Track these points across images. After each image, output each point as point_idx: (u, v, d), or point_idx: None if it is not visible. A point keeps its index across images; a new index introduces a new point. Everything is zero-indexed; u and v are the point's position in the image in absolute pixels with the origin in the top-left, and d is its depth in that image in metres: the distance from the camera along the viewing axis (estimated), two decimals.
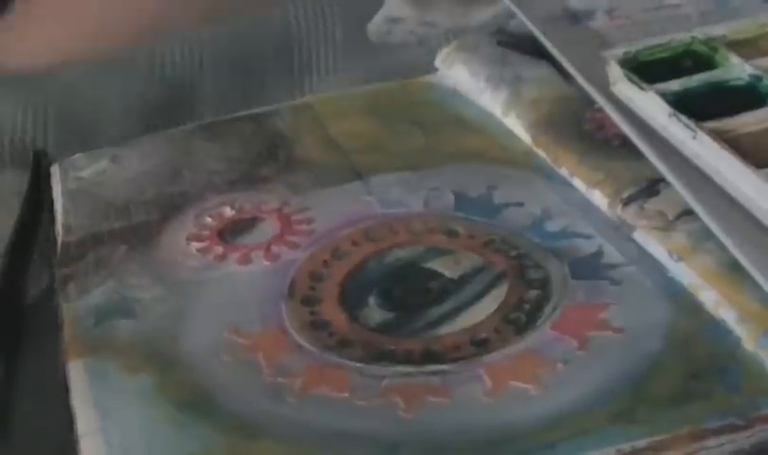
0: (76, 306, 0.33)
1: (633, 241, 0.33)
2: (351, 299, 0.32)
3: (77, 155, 0.43)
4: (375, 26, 0.52)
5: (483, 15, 0.54)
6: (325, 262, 0.34)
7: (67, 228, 0.38)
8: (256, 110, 0.45)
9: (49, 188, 0.42)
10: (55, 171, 0.42)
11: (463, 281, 0.32)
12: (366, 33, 0.50)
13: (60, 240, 0.37)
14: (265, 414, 0.28)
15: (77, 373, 0.30)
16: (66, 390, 0.30)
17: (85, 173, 0.42)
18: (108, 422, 0.28)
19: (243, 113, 0.45)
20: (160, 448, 0.27)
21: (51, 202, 0.41)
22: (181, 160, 0.41)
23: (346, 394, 0.28)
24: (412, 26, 0.53)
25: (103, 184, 0.41)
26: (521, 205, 0.35)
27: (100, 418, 0.28)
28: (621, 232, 0.33)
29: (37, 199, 0.41)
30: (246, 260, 0.34)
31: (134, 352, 0.31)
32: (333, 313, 0.31)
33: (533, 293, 0.31)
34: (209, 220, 0.37)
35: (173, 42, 0.46)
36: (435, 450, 0.26)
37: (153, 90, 0.48)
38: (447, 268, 0.33)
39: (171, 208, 0.38)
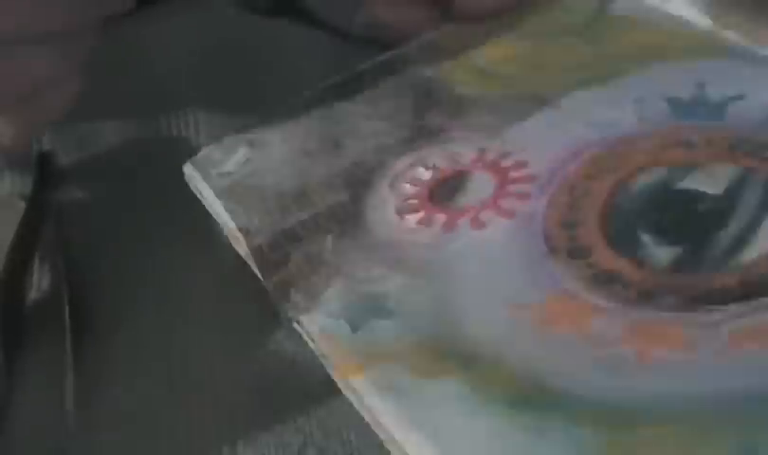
0: (317, 315, 0.28)
1: None
2: (620, 241, 0.28)
3: (207, 150, 0.36)
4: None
5: None
6: (569, 205, 0.29)
7: (246, 232, 0.32)
8: (376, 60, 0.38)
9: (54, 188, 0.39)
10: (189, 169, 0.36)
11: (731, 195, 0.28)
12: None
13: (243, 247, 0.32)
14: (623, 391, 0.23)
15: (368, 391, 0.26)
16: (66, 388, 0.29)
17: (228, 167, 0.35)
18: (443, 442, 0.23)
19: (362, 67, 0.38)
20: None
21: (54, 204, 0.38)
22: (333, 129, 0.35)
23: (690, 350, 0.24)
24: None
25: (257, 173, 0.34)
26: (741, 97, 0.31)
27: (429, 439, 0.24)
28: None
29: (41, 201, 0.38)
30: (478, 223, 0.30)
31: (417, 353, 0.26)
32: (611, 261, 0.27)
33: None
34: (409, 187, 0.32)
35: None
36: None
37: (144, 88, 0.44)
38: (705, 185, 0.28)
39: (356, 183, 0.33)
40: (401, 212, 0.31)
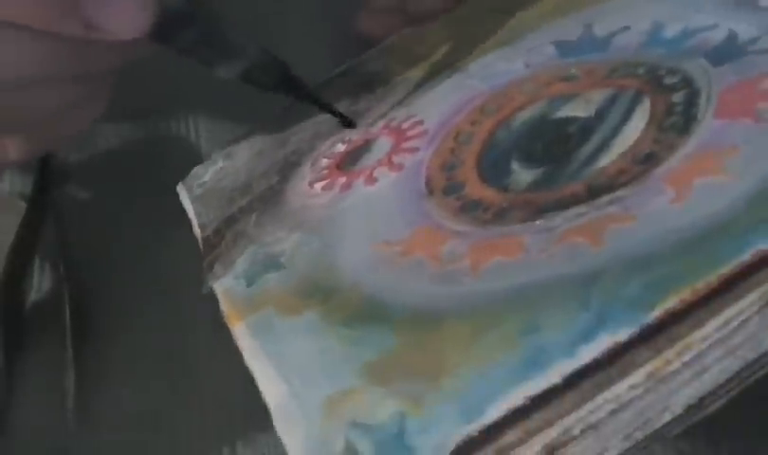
0: (226, 279, 0.29)
1: (761, 9, 0.27)
2: (492, 172, 0.28)
3: (196, 168, 0.38)
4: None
5: None
6: (451, 150, 0.30)
7: (203, 227, 0.34)
8: (342, 67, 0.40)
9: (54, 189, 0.38)
10: (181, 190, 0.38)
11: (600, 114, 0.27)
12: None
13: (200, 238, 0.33)
14: (442, 299, 0.23)
15: (242, 335, 0.26)
16: (67, 388, 0.28)
17: (206, 178, 0.37)
18: (283, 364, 0.24)
19: (332, 74, 0.40)
20: (338, 368, 0.23)
21: (54, 204, 0.38)
22: (285, 130, 0.37)
23: (522, 254, 0.23)
24: None
25: (224, 179, 0.37)
26: (627, 29, 0.30)
27: (275, 367, 0.24)
28: (744, 7, 0.28)
29: (42, 201, 0.38)
30: (371, 180, 0.30)
31: (291, 295, 0.27)
32: (479, 191, 0.27)
33: (679, 94, 0.26)
34: (325, 161, 0.33)
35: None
36: (639, 265, 0.21)
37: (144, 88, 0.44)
38: (579, 110, 0.28)
39: (288, 167, 0.34)
40: (312, 183, 0.32)
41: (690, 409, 0.20)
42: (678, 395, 0.20)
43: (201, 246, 0.33)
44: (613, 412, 0.20)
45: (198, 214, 0.35)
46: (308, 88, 0.33)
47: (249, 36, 0.32)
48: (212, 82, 0.43)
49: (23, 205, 0.37)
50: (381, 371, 0.22)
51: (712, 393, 0.20)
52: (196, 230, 0.35)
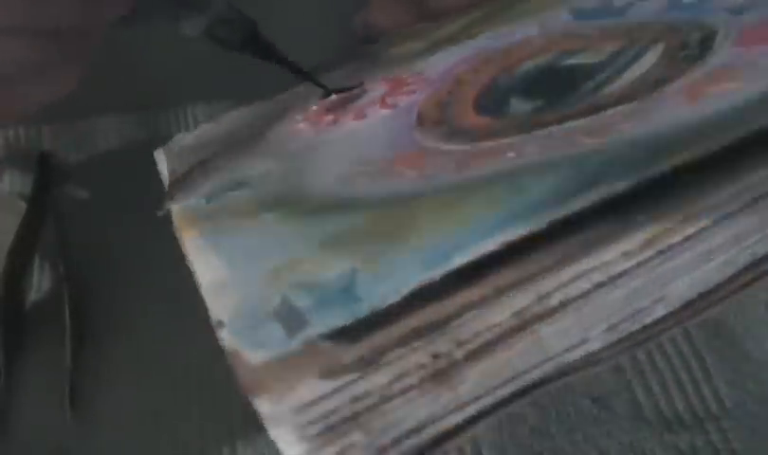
0: (185, 201, 0.27)
1: None
2: (488, 107, 0.26)
3: (178, 136, 0.35)
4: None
5: None
6: (450, 92, 0.28)
7: (173, 172, 0.32)
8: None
9: (54, 189, 0.38)
10: (158, 154, 0.35)
11: (609, 60, 0.26)
12: None
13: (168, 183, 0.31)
14: (419, 188, 0.21)
15: (192, 242, 0.24)
16: (66, 388, 0.28)
17: (188, 140, 0.35)
18: (227, 250, 0.22)
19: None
20: (294, 242, 0.21)
21: (55, 203, 0.37)
22: (284, 95, 0.34)
23: (512, 154, 0.21)
24: None
25: (204, 136, 0.34)
26: (645, 0, 0.29)
27: (216, 252, 0.22)
28: None
29: (42, 200, 0.37)
30: (360, 115, 0.28)
31: (252, 206, 0.25)
32: (474, 121, 0.25)
33: (695, 35, 0.25)
34: (315, 108, 0.31)
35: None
36: (641, 142, 0.19)
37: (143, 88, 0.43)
38: (588, 58, 0.26)
39: (275, 116, 0.32)
40: (297, 121, 0.30)
41: (689, 306, 0.18)
42: (676, 283, 0.17)
43: (168, 186, 0.31)
44: (599, 287, 0.17)
45: (172, 168, 0.34)
46: (277, 50, 0.31)
47: None
48: (214, 83, 0.43)
49: (23, 205, 0.37)
50: (340, 241, 0.20)
51: (715, 290, 0.18)
52: (165, 179, 0.32)
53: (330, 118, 0.29)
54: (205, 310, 0.29)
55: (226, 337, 0.18)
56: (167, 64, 0.34)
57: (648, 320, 0.18)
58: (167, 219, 0.30)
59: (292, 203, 0.24)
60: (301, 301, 0.18)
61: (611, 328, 0.18)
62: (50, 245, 0.35)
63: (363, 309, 0.17)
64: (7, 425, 0.29)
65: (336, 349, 0.17)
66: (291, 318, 0.17)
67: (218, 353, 0.23)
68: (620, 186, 0.17)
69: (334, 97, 0.31)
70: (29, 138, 0.41)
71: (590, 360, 0.18)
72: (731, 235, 0.17)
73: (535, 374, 0.17)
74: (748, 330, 0.28)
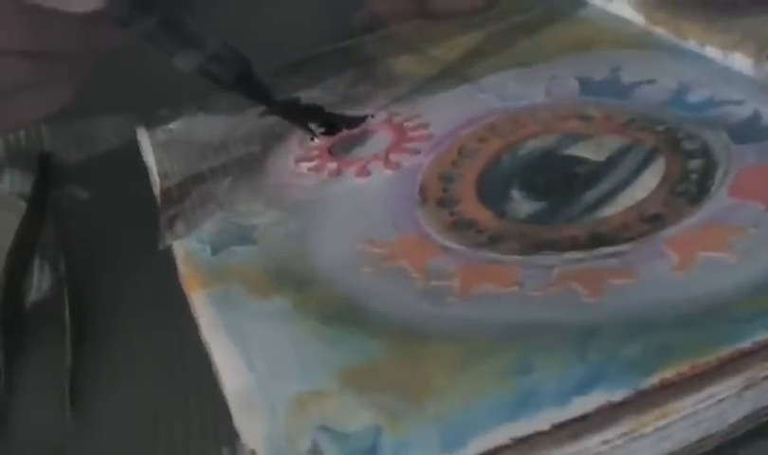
0: (188, 241, 0.29)
1: None
2: (491, 195, 0.27)
3: (161, 111, 0.38)
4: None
5: None
6: (453, 162, 0.29)
7: (164, 175, 0.33)
8: (337, 44, 0.40)
9: (54, 189, 0.38)
10: (141, 132, 0.37)
11: (612, 162, 0.27)
12: None
13: (158, 187, 0.33)
14: (428, 317, 0.23)
15: (202, 304, 0.26)
16: (66, 388, 0.28)
17: (174, 126, 0.37)
18: (248, 349, 0.23)
19: (323, 49, 0.40)
20: (314, 364, 0.22)
21: (55, 203, 0.38)
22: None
23: (515, 288, 0.23)
24: None
25: (195, 131, 0.36)
26: (652, 82, 0.30)
27: (237, 346, 0.24)
28: None
29: (42, 200, 0.38)
30: (364, 172, 0.30)
31: (261, 276, 0.26)
32: (475, 211, 0.27)
33: (696, 162, 0.26)
34: (315, 141, 0.32)
35: None
36: (638, 329, 0.21)
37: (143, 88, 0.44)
38: (590, 152, 0.28)
39: (272, 137, 0.33)
40: (298, 161, 0.31)
41: None
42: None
43: (159, 197, 0.32)
44: None
45: (159, 161, 0.35)
46: (268, 91, 0.32)
47: (213, 28, 0.31)
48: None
49: (23, 205, 0.37)
50: (359, 378, 0.22)
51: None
52: (154, 178, 0.34)
53: (334, 166, 0.30)
54: None
55: None
56: (167, 64, 0.34)
57: None
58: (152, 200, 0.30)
59: (302, 284, 0.25)
60: (330, 451, 0.20)
61: None
62: (50, 245, 0.36)
63: None
64: (6, 425, 0.29)
65: None
66: None
67: None
68: (617, 395, 0.19)
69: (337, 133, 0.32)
70: (29, 138, 0.42)
71: None
72: (691, 423, 0.20)
73: None
74: None
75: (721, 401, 0.20)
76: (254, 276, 0.26)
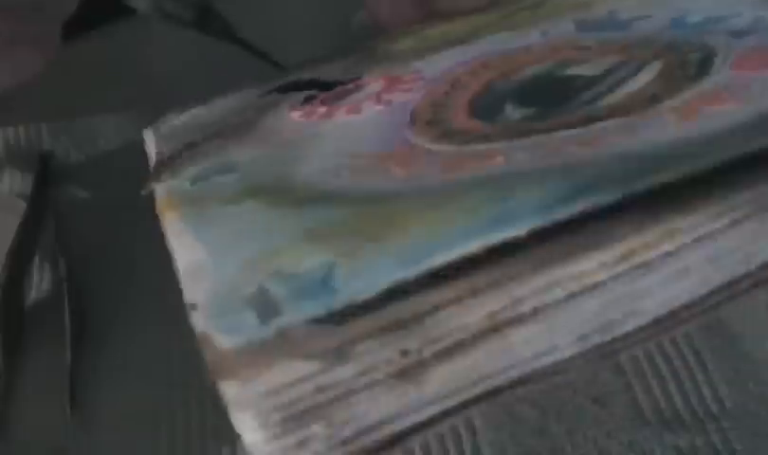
0: (168, 184, 0.27)
1: None
2: (483, 111, 0.26)
3: (167, 116, 0.36)
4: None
5: None
6: (446, 93, 0.28)
7: (160, 153, 0.32)
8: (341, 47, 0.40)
9: (54, 189, 0.39)
10: (148, 133, 0.36)
11: (609, 72, 0.26)
12: None
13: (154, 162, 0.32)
14: (403, 188, 0.21)
15: (172, 223, 0.24)
16: (66, 388, 0.28)
17: (177, 121, 0.36)
18: (208, 238, 0.22)
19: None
20: (274, 233, 0.21)
21: (55, 203, 0.38)
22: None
23: (500, 158, 0.22)
24: None
25: (196, 118, 0.35)
26: (649, 16, 0.29)
27: (195, 234, 0.22)
28: None
29: (42, 200, 0.38)
30: (355, 110, 0.29)
31: (237, 191, 0.25)
32: (466, 123, 0.26)
33: (694, 55, 0.25)
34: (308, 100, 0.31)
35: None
36: (635, 158, 0.19)
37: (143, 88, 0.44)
38: (586, 70, 0.27)
39: (267, 106, 0.32)
40: (290, 111, 0.31)
41: (658, 322, 0.18)
42: (648, 298, 0.18)
43: (152, 168, 0.31)
44: (572, 297, 0.17)
45: (159, 147, 0.34)
46: (230, 27, 0.31)
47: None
48: (214, 83, 0.43)
49: (23, 205, 0.37)
50: (319, 234, 0.20)
51: (687, 308, 0.18)
52: (152, 159, 0.33)
53: (323, 110, 0.29)
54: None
55: (197, 321, 0.18)
56: (167, 64, 0.34)
57: (618, 333, 0.18)
58: (152, 200, 0.30)
59: (277, 191, 0.24)
60: (278, 290, 0.18)
61: (580, 338, 0.18)
62: (50, 245, 0.36)
63: (338, 301, 0.17)
64: (7, 425, 0.29)
65: (306, 339, 0.17)
66: (265, 306, 0.17)
67: None
68: (604, 199, 0.17)
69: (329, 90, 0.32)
70: (29, 138, 0.42)
71: (557, 369, 0.18)
72: (708, 254, 0.18)
73: (500, 379, 0.18)
74: (748, 330, 0.28)
75: (736, 223, 0.18)
76: (230, 194, 0.25)
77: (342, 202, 0.21)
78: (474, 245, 0.17)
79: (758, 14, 0.27)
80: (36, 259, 0.36)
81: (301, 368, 0.17)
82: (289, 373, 0.17)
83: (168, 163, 0.30)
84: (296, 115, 0.30)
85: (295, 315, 0.17)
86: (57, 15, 0.33)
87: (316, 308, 0.17)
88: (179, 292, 0.30)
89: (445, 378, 0.17)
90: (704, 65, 0.24)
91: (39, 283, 0.35)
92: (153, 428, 0.29)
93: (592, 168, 0.19)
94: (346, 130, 0.28)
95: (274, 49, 0.41)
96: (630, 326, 0.18)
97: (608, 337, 0.18)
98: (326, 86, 0.32)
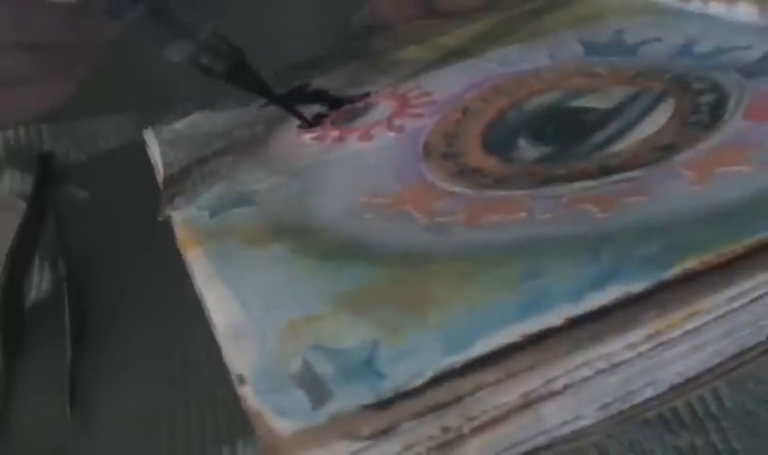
0: (187, 210, 0.28)
1: None
2: (496, 145, 0.27)
3: (168, 116, 0.37)
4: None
5: None
6: (457, 121, 0.29)
7: (168, 164, 0.33)
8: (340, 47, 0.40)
9: (54, 189, 0.39)
10: (148, 134, 0.37)
11: (620, 107, 0.27)
12: None
13: (162, 175, 0.32)
14: (432, 244, 0.22)
15: (197, 261, 0.25)
16: (66, 388, 0.29)
17: (179, 125, 0.36)
18: (242, 288, 0.23)
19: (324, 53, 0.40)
20: (310, 294, 0.21)
21: (55, 203, 0.39)
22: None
23: (523, 214, 0.23)
24: None
25: (199, 126, 0.36)
26: (659, 40, 0.30)
27: (230, 288, 0.23)
28: None
29: (42, 200, 0.38)
30: (367, 136, 0.29)
31: (258, 230, 0.26)
32: (480, 160, 0.26)
33: (707, 97, 0.26)
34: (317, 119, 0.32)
35: None
36: (656, 231, 0.20)
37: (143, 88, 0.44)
38: (597, 102, 0.27)
39: (276, 120, 0.33)
40: (301, 131, 0.31)
41: (674, 389, 0.19)
42: (666, 370, 0.19)
43: (162, 183, 0.32)
44: (600, 373, 0.19)
45: (165, 154, 0.34)
46: (263, 81, 0.32)
47: (206, 17, 0.31)
48: (213, 83, 0.44)
49: (23, 204, 0.38)
50: (357, 300, 0.21)
51: (699, 376, 0.19)
52: (159, 171, 0.33)
53: (336, 134, 0.30)
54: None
55: (248, 397, 0.19)
56: (167, 65, 0.35)
57: (637, 401, 0.19)
58: (166, 223, 0.31)
59: (300, 234, 0.25)
60: (323, 369, 0.19)
61: (603, 407, 0.19)
62: (50, 244, 0.36)
63: (387, 387, 0.18)
64: (7, 425, 0.29)
65: (356, 421, 0.18)
66: (315, 387, 0.18)
67: (217, 352, 0.24)
68: (635, 287, 0.18)
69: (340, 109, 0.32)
70: (29, 138, 0.42)
71: (580, 434, 0.19)
72: (725, 330, 0.19)
73: (528, 444, 0.19)
74: None
75: (754, 301, 0.19)
76: (251, 231, 0.26)
77: (373, 260, 0.22)
78: (512, 334, 0.18)
79: (766, 49, 0.27)
80: (36, 259, 0.36)
81: (350, 446, 0.18)
82: (339, 451, 0.18)
83: (179, 183, 0.31)
84: (308, 137, 0.31)
85: (345, 399, 0.18)
86: (89, 48, 0.34)
87: (365, 393, 0.18)
88: (179, 292, 0.31)
89: (480, 448, 0.19)
90: (716, 111, 0.25)
91: (39, 283, 0.35)
92: (153, 428, 0.29)
93: (616, 245, 0.20)
94: (361, 159, 0.29)
95: (273, 50, 0.42)
96: (648, 394, 0.19)
97: (627, 405, 0.19)
98: (334, 102, 0.33)
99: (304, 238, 0.24)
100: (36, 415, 0.30)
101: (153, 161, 0.35)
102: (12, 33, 0.30)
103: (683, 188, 0.22)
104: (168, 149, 0.35)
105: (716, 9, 0.31)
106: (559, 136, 0.26)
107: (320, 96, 0.34)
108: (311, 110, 0.33)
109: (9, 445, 0.29)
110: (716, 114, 0.25)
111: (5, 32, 0.30)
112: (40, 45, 0.31)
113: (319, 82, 0.35)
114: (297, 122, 0.32)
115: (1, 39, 0.30)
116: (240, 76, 0.31)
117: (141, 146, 0.39)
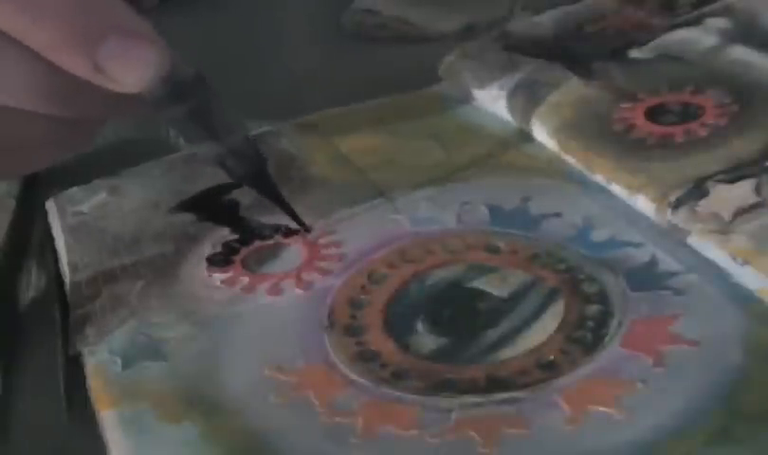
0: (99, 350, 0.30)
1: (687, 246, 0.31)
2: (396, 326, 0.30)
3: (72, 189, 0.40)
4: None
5: (456, 22, 0.53)
6: (363, 287, 0.31)
7: (74, 267, 0.35)
8: (256, 131, 0.42)
9: (44, 188, 0.40)
10: (51, 206, 0.39)
11: (514, 299, 0.30)
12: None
13: (68, 280, 0.34)
14: (329, 446, 0.25)
15: (112, 425, 0.27)
16: (65, 387, 0.30)
17: (85, 208, 0.38)
18: None
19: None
20: None
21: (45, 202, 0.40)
22: (185, 186, 0.38)
23: (415, 432, 0.25)
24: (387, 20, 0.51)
25: (106, 217, 0.38)
26: (558, 215, 0.33)
27: None
28: (672, 238, 0.31)
29: (31, 200, 0.39)
30: (276, 290, 0.32)
31: (171, 398, 0.28)
32: (380, 342, 0.29)
33: (593, 308, 0.29)
34: (228, 247, 0.34)
35: None
36: None
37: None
38: (494, 287, 0.30)
39: (185, 239, 0.35)
40: (211, 270, 0.33)
41: None
42: None
43: (68, 291, 0.34)
44: None
45: (69, 249, 0.36)
46: (277, 190, 0.34)
47: (239, 123, 0.33)
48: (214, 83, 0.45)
49: (12, 203, 0.39)
50: None
51: None
52: (63, 267, 0.35)
53: (246, 281, 0.32)
54: None
55: None
56: None
57: None
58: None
59: (211, 411, 0.27)
60: None
61: None
62: (41, 245, 0.37)
63: None
64: (5, 425, 0.30)
65: None
66: None
67: None
68: None
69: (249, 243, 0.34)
70: None
71: None
72: None
73: None
74: None
75: None
76: (164, 397, 0.28)
77: None
78: None
79: (654, 253, 0.30)
80: (30, 258, 0.37)
81: None
82: None
83: (87, 304, 0.33)
84: (217, 279, 0.33)
85: None
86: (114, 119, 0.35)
87: None
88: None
89: None
90: (599, 330, 0.28)
91: (37, 283, 0.37)
92: None
93: None
94: (268, 316, 0.31)
95: (265, 50, 0.43)
96: None
97: None
98: (244, 231, 0.35)
99: (214, 421, 0.27)
100: (35, 415, 0.30)
101: (56, 245, 0.37)
102: (47, 105, 0.30)
103: (558, 426, 0.25)
104: (72, 242, 0.36)
105: (617, 190, 0.34)
106: (455, 325, 0.29)
107: (232, 212, 0.36)
108: (221, 234, 0.35)
109: (8, 445, 0.30)
110: (598, 334, 0.28)
111: (40, 103, 0.30)
112: (66, 118, 0.31)
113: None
114: (204, 250, 0.34)
115: (35, 109, 0.30)
116: (257, 182, 0.33)
117: (140, 146, 0.41)
